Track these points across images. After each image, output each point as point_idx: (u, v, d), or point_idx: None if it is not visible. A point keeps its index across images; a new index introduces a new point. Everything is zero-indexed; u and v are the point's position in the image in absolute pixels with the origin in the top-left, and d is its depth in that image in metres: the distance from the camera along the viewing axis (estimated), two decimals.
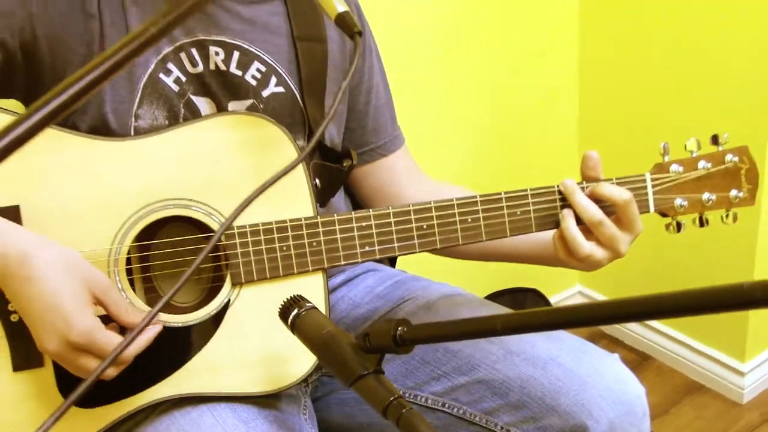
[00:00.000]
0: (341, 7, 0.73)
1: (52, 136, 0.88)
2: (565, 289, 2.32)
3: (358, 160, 1.14)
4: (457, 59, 1.83)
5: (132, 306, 0.87)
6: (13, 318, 0.86)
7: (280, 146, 0.93)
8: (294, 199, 0.93)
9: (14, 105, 0.97)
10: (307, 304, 0.74)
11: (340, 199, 1.14)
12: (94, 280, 0.83)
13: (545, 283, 1.99)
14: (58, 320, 0.78)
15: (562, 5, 2.00)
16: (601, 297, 2.27)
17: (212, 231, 0.91)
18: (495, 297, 1.95)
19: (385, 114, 1.17)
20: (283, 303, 0.75)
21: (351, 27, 0.73)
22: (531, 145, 2.06)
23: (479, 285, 1.78)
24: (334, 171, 1.05)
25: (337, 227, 0.93)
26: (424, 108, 1.79)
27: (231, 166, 0.92)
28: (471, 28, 1.83)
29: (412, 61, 1.73)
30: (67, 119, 0.92)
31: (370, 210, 0.94)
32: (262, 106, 1.00)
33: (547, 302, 1.98)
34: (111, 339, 0.81)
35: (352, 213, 0.94)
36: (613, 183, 0.99)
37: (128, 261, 0.90)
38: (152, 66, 0.94)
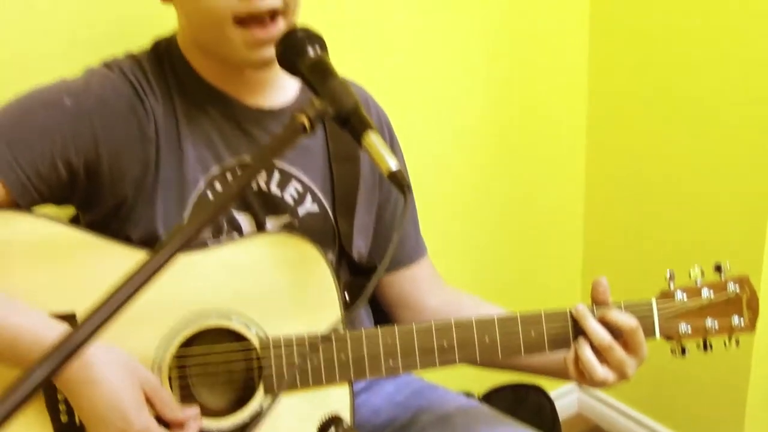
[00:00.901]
0: (394, 166, 0.79)
1: (105, 248, 0.96)
2: (565, 385, 2.37)
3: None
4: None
5: (176, 404, 0.94)
6: (63, 418, 0.92)
7: (314, 263, 1.01)
8: (325, 313, 1.00)
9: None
10: (344, 424, 0.81)
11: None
12: (146, 380, 0.91)
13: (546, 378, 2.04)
14: (119, 419, 0.86)
15: (569, 118, 2.11)
16: (598, 393, 2.32)
17: (247, 340, 0.98)
18: (497, 392, 2.00)
19: (409, 226, 1.25)
20: (321, 421, 0.81)
21: (402, 184, 0.80)
22: (536, 266, 2.15)
23: (482, 380, 1.84)
24: (362, 286, 1.12)
25: (364, 343, 1.00)
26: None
27: (269, 280, 0.99)
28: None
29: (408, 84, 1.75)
30: (119, 230, 1.00)
31: (395, 327, 1.01)
32: (297, 222, 1.08)
33: (548, 398, 2.03)
34: None
35: (379, 329, 1.01)
36: (621, 308, 1.06)
37: None
38: (201, 185, 1.02)
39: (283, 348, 0.98)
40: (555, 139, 2.07)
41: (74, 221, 1.08)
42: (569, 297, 2.17)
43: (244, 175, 0.70)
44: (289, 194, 1.08)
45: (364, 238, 1.17)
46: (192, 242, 0.66)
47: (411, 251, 1.24)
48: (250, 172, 0.71)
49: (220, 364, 1.00)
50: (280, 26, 0.98)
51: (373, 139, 0.81)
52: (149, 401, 0.91)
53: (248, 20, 0.96)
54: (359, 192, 1.14)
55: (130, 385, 0.88)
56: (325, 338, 0.99)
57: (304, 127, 0.78)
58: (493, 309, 1.17)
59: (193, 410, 0.96)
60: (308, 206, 1.09)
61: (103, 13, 1.29)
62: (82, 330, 0.56)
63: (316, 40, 0.90)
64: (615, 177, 2.10)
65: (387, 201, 1.20)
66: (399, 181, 0.79)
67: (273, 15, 0.97)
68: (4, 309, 0.88)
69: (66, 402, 0.92)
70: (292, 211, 1.08)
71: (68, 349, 0.55)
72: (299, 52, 0.89)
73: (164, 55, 1.05)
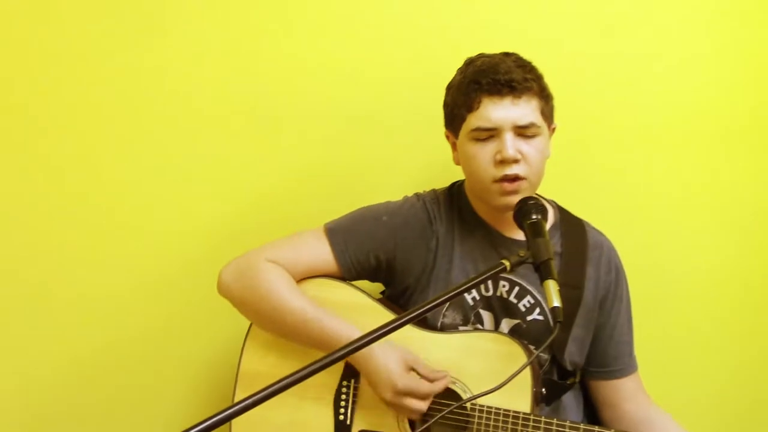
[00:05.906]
0: (556, 303, 1.16)
1: (380, 310, 1.48)
2: None
3: (595, 376, 1.56)
4: None
5: (433, 369, 1.40)
6: (341, 416, 1.44)
7: (519, 362, 1.38)
8: (518, 401, 1.38)
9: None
10: None
11: (570, 396, 1.54)
12: (409, 354, 1.41)
13: None
14: (387, 380, 1.37)
15: None
16: None
17: (461, 398, 1.40)
18: None
19: (625, 347, 1.57)
20: None
21: (555, 317, 1.16)
22: None
23: None
24: (559, 385, 1.47)
25: (542, 426, 1.34)
26: None
27: (486, 365, 1.41)
28: None
29: None
30: (404, 306, 1.51)
31: (581, 425, 1.35)
32: (525, 326, 1.48)
33: None
34: (425, 384, 1.37)
35: (567, 422, 1.35)
36: None
37: None
38: None
39: (484, 413, 1.38)
40: None
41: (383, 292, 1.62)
42: None
43: (466, 282, 1.16)
44: (523, 304, 1.49)
45: (578, 348, 1.51)
46: (424, 314, 1.12)
47: (623, 368, 1.56)
48: (468, 283, 1.16)
49: (434, 411, 1.41)
50: (522, 183, 1.42)
51: (550, 286, 1.19)
52: (413, 369, 1.39)
53: (502, 179, 1.41)
54: (579, 311, 1.49)
55: (396, 359, 1.38)
56: (519, 415, 1.36)
57: (505, 267, 1.19)
58: None
59: (444, 373, 1.40)
60: (535, 315, 1.49)
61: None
62: (369, 335, 1.03)
63: (540, 210, 1.32)
64: None
65: (605, 325, 1.55)
66: (554, 315, 1.16)
67: (518, 177, 1.41)
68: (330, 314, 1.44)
69: (345, 405, 1.44)
70: (523, 317, 1.49)
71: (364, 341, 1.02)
72: (526, 214, 1.31)
73: (455, 194, 1.56)
